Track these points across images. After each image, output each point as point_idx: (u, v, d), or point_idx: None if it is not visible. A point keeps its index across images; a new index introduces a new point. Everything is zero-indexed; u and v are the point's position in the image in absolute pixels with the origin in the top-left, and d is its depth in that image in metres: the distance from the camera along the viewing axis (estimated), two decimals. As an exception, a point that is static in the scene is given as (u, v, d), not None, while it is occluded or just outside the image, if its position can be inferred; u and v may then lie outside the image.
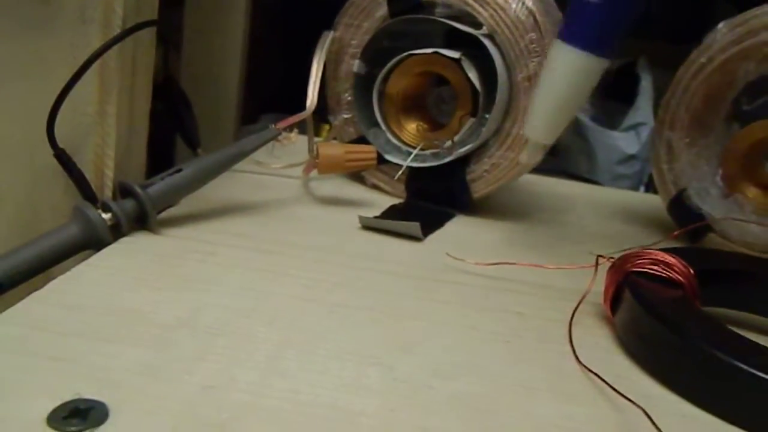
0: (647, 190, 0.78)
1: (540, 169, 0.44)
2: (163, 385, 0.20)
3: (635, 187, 0.81)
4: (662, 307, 0.25)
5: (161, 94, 0.38)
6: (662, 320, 0.24)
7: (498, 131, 0.41)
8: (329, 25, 0.44)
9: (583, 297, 0.29)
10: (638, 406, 0.21)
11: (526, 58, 0.38)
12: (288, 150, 0.43)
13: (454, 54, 0.40)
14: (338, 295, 0.28)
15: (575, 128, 0.82)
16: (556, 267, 0.32)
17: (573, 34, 0.31)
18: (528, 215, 0.46)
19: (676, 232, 0.42)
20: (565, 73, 0.32)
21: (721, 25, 0.41)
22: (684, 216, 0.42)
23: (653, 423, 0.20)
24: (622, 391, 0.22)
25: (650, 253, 0.29)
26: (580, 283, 0.30)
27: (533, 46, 0.38)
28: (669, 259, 0.28)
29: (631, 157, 0.81)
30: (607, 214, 0.50)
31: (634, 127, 0.81)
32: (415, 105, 0.45)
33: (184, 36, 0.59)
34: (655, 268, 0.28)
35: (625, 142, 0.81)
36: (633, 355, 0.26)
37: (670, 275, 0.28)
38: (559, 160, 0.85)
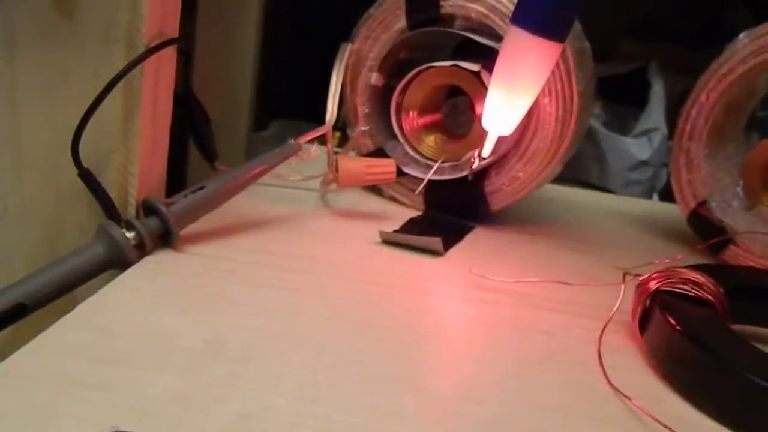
0: (661, 198, 0.77)
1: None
2: (198, 415, 0.20)
3: (647, 194, 0.80)
4: (695, 328, 0.25)
5: (180, 107, 0.38)
6: (696, 343, 0.24)
7: (517, 144, 0.41)
8: (337, 32, 0.44)
9: (611, 316, 0.29)
10: (679, 436, 0.20)
11: (546, 71, 0.38)
12: (306, 163, 0.42)
13: (474, 67, 0.39)
14: (363, 314, 0.28)
15: (586, 134, 0.82)
16: (582, 284, 0.32)
17: (531, 19, 0.31)
18: (546, 226, 0.46)
19: (698, 246, 0.41)
20: (522, 60, 0.31)
21: (742, 35, 0.40)
22: (705, 228, 0.42)
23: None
24: (656, 416, 0.22)
25: (679, 272, 0.28)
26: (605, 299, 0.30)
27: (554, 58, 0.38)
28: (698, 278, 0.28)
29: (643, 163, 0.80)
30: (624, 224, 0.49)
31: (646, 132, 0.81)
32: (432, 118, 0.45)
33: (196, 44, 0.59)
34: (685, 287, 0.28)
35: (636, 147, 0.81)
36: (665, 377, 0.26)
37: (700, 294, 0.27)
38: (570, 167, 0.85)
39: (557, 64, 0.38)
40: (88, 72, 0.30)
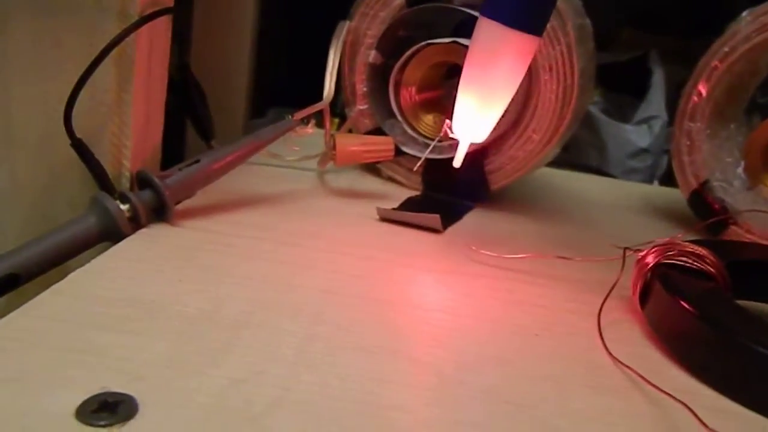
0: (661, 186, 0.77)
1: (550, 162, 0.43)
2: (191, 379, 0.19)
3: (647, 181, 0.80)
4: (697, 299, 0.25)
5: (176, 84, 0.38)
6: (698, 313, 0.24)
7: (517, 122, 0.40)
8: (334, 19, 0.43)
9: (611, 289, 0.28)
10: (681, 402, 0.20)
11: (546, 46, 0.38)
12: (303, 142, 0.42)
13: (473, 43, 0.39)
14: (360, 288, 0.28)
15: (586, 121, 0.82)
16: (583, 259, 0.32)
17: (504, 10, 0.27)
18: (545, 208, 0.45)
19: (699, 225, 0.41)
20: (496, 57, 0.28)
21: (745, 13, 0.40)
22: (705, 208, 0.42)
23: (698, 419, 0.19)
24: (655, 385, 0.22)
25: (680, 245, 0.28)
26: (603, 276, 0.30)
27: (554, 33, 0.37)
28: (699, 250, 0.28)
29: (643, 151, 0.80)
30: (623, 207, 0.49)
31: (647, 120, 0.81)
32: (431, 96, 0.44)
33: (193, 29, 0.58)
34: (686, 259, 0.27)
35: (637, 135, 0.80)
36: (665, 349, 0.25)
37: (702, 267, 0.27)
38: (570, 153, 0.84)
39: (558, 40, 0.37)
40: (82, 42, 0.30)
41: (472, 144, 0.35)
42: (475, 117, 0.30)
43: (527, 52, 0.28)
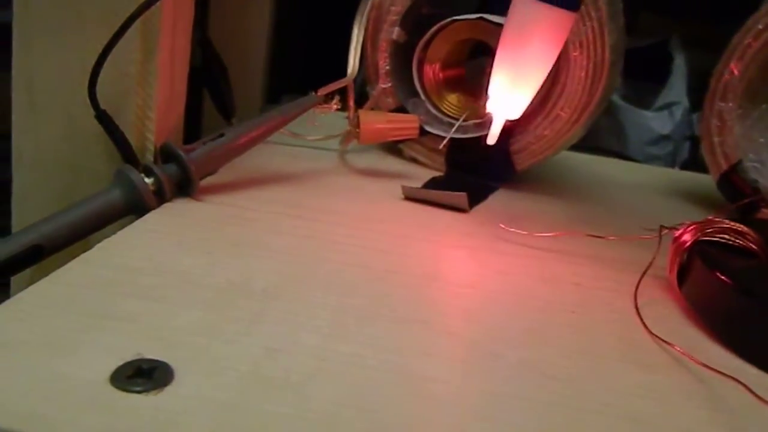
0: (682, 171, 0.76)
1: (572, 146, 0.42)
2: (225, 347, 0.19)
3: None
4: (742, 276, 0.24)
5: (197, 61, 0.37)
6: (745, 291, 0.23)
7: (544, 100, 0.39)
8: (352, 7, 0.42)
9: (649, 266, 0.27)
10: (732, 378, 0.19)
11: (577, 22, 0.37)
12: (325, 122, 0.41)
13: (501, 20, 0.38)
14: (390, 263, 0.27)
15: (606, 108, 0.80)
16: (617, 238, 0.31)
17: None
18: (571, 189, 0.45)
19: (728, 208, 0.40)
20: (531, 33, 0.28)
21: (781, -11, 0.39)
22: (736, 190, 0.41)
23: (753, 393, 0.19)
24: (702, 363, 0.21)
25: (718, 222, 0.27)
26: (636, 255, 0.29)
27: (585, 8, 0.36)
28: (740, 227, 0.27)
29: (664, 138, 0.78)
30: (648, 191, 0.48)
31: (668, 106, 0.79)
32: (455, 75, 0.43)
33: (210, 15, 0.58)
34: (726, 236, 0.27)
35: (657, 122, 0.79)
36: (705, 327, 0.25)
37: (743, 244, 0.26)
38: (589, 140, 0.83)
39: (589, 15, 0.36)
40: (106, 12, 0.29)
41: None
42: (509, 94, 0.31)
43: (562, 28, 0.29)
